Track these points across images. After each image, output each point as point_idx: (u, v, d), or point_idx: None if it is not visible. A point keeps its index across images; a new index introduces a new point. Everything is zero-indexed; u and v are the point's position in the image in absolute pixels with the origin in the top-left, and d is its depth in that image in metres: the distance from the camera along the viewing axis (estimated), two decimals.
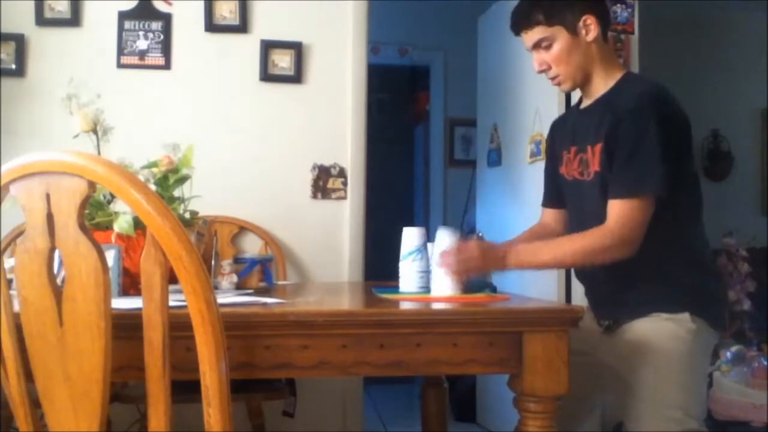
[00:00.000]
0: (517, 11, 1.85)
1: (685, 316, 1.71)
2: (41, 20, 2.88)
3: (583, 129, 1.84)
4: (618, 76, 1.82)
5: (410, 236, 1.74)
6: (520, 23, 1.83)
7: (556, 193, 2.01)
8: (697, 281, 1.77)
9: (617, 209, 1.67)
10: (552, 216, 2.05)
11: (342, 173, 3.01)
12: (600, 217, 1.72)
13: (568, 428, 1.80)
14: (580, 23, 1.78)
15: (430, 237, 1.75)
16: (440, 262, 1.65)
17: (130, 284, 1.55)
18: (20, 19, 2.86)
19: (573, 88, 1.87)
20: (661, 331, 1.71)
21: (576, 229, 1.83)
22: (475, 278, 1.77)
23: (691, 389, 1.72)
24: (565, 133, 1.94)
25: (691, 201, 1.80)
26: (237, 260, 1.90)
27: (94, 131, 1.77)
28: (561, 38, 1.78)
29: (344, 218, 3.01)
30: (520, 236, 2.05)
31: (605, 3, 1.90)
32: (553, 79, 1.84)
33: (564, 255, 1.76)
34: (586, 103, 1.88)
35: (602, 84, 1.82)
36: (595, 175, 1.77)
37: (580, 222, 1.85)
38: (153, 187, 1.65)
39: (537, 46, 1.81)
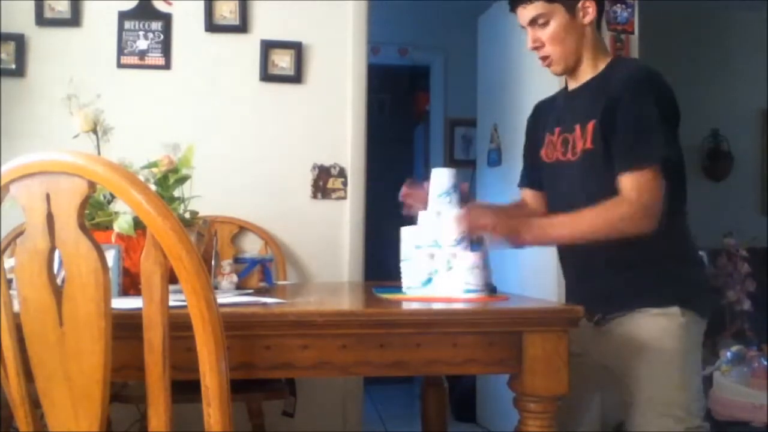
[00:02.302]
0: None
1: (675, 310, 1.70)
2: (41, 20, 2.88)
3: (569, 111, 1.85)
4: (607, 60, 1.83)
5: (441, 177, 1.71)
6: None
7: (533, 174, 2.02)
8: (682, 270, 1.77)
9: (630, 181, 1.65)
10: (530, 196, 2.05)
11: (342, 173, 3.01)
12: (576, 198, 1.73)
13: (567, 429, 1.80)
14: (579, 5, 1.79)
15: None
16: (465, 219, 1.63)
17: (130, 284, 1.55)
18: (20, 19, 2.86)
19: (564, 72, 1.86)
20: (652, 327, 1.71)
21: (553, 212, 1.83)
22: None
23: (689, 386, 1.72)
24: (550, 115, 1.95)
25: (676, 188, 1.77)
26: (237, 260, 1.90)
27: (94, 131, 1.77)
28: (558, 16, 1.78)
29: (344, 218, 3.01)
30: (510, 206, 2.05)
31: None
32: (544, 59, 1.83)
33: (583, 229, 1.69)
34: (572, 86, 1.89)
35: (590, 68, 1.83)
36: (583, 153, 1.77)
37: (554, 205, 1.86)
38: (153, 187, 1.65)
39: (533, 22, 1.81)
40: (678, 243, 1.78)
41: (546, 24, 1.79)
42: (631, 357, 1.73)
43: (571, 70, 1.85)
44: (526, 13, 1.81)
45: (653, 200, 1.63)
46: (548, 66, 1.85)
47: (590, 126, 1.75)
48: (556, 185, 1.90)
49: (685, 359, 1.72)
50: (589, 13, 1.79)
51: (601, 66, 1.82)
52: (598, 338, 1.81)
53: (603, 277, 1.79)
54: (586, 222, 1.68)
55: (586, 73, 1.83)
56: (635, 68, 1.76)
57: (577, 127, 1.79)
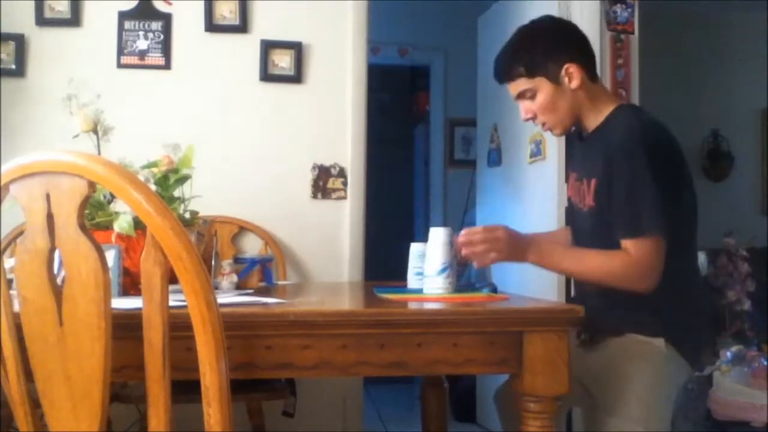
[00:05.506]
0: (498, 62, 1.83)
1: (660, 341, 1.68)
2: (41, 20, 2.88)
3: (583, 160, 1.85)
4: (610, 108, 1.79)
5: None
6: (502, 75, 1.82)
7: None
8: (679, 314, 1.73)
9: (630, 245, 1.64)
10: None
11: (342, 173, 3.01)
12: (592, 241, 1.76)
13: None
14: (562, 72, 1.75)
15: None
16: (464, 240, 1.67)
17: (130, 284, 1.55)
18: (20, 19, 2.86)
19: (565, 132, 1.87)
20: (633, 349, 1.70)
21: (573, 244, 1.87)
22: (475, 277, 1.77)
23: (653, 407, 1.68)
24: (571, 156, 1.97)
25: (685, 230, 1.75)
26: (237, 260, 1.90)
27: (94, 131, 1.77)
28: (544, 88, 1.76)
29: (344, 218, 3.01)
30: (551, 232, 2.09)
31: (588, 45, 1.84)
32: (542, 125, 1.83)
33: (583, 268, 1.74)
34: (586, 131, 1.86)
35: (594, 119, 1.80)
36: (589, 209, 1.77)
37: (575, 240, 1.88)
38: (153, 187, 1.65)
39: (521, 96, 1.80)
40: (680, 287, 1.74)
41: (534, 96, 1.78)
42: (606, 373, 1.72)
43: (573, 127, 1.84)
44: (512, 88, 1.81)
45: (654, 268, 1.63)
46: (548, 131, 1.85)
47: (593, 183, 1.74)
48: (575, 225, 1.93)
49: (654, 382, 1.68)
50: (575, 77, 1.75)
51: (606, 113, 1.78)
52: (581, 353, 1.78)
53: (602, 306, 1.75)
54: (589, 262, 1.72)
55: (592, 124, 1.81)
56: (629, 126, 1.70)
57: (585, 181, 1.79)
